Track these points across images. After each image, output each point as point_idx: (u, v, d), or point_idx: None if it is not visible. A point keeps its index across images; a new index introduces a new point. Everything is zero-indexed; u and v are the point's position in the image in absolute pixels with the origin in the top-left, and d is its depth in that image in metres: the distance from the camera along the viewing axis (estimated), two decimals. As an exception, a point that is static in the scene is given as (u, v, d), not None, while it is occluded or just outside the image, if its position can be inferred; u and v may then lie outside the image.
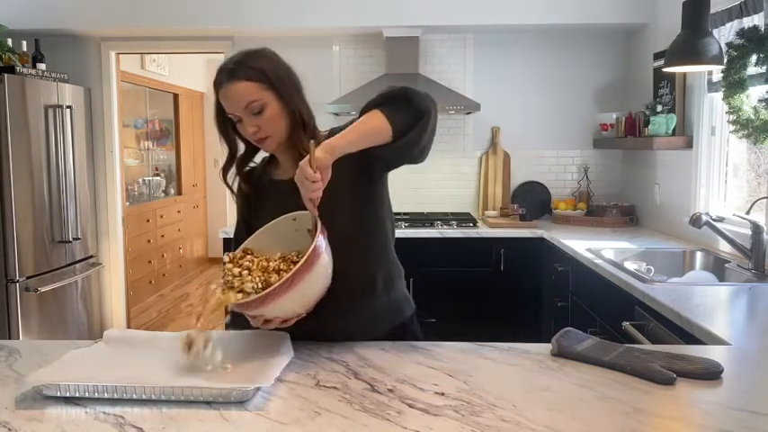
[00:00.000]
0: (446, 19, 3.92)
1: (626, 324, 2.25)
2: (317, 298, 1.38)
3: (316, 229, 1.34)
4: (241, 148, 1.59)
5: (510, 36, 4.25)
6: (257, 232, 1.49)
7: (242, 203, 1.64)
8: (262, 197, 1.60)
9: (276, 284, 1.26)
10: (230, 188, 1.62)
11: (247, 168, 1.62)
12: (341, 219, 1.48)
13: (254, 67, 1.47)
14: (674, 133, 3.36)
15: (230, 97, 1.47)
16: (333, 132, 1.55)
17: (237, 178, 1.62)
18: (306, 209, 1.36)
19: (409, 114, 1.40)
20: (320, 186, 1.32)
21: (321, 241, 1.32)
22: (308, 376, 1.32)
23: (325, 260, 1.34)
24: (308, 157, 1.30)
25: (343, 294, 1.49)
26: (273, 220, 1.48)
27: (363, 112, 1.43)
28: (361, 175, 1.52)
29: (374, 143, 1.39)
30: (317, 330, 1.48)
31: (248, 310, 1.33)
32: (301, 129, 1.51)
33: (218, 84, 1.49)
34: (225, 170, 1.61)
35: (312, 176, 1.29)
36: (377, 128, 1.38)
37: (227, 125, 1.54)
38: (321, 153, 1.31)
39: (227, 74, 1.47)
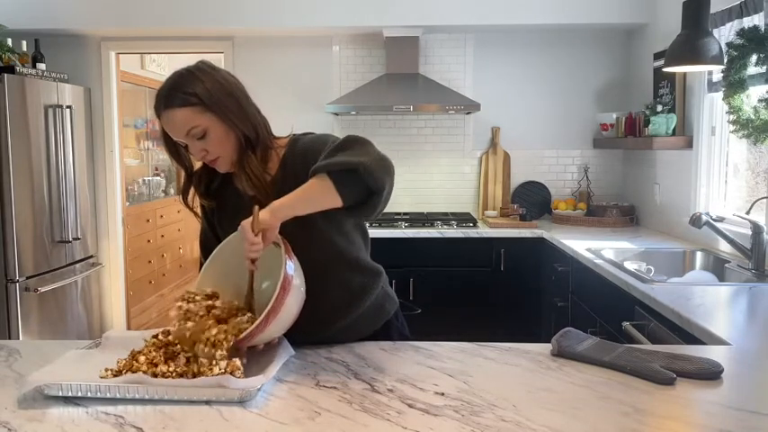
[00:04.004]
0: (446, 19, 3.92)
1: (626, 324, 2.25)
2: (294, 318, 1.36)
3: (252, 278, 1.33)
4: (197, 165, 1.53)
5: (510, 36, 4.25)
6: (220, 245, 1.46)
7: (206, 211, 1.60)
8: (226, 208, 1.55)
9: (253, 326, 1.26)
10: (193, 211, 1.55)
11: (204, 187, 1.55)
12: (310, 246, 1.45)
13: (188, 92, 1.39)
14: (674, 133, 3.36)
15: (169, 126, 1.42)
16: (293, 140, 1.54)
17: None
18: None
19: (362, 191, 1.34)
20: (260, 248, 1.30)
21: (289, 269, 1.29)
22: (307, 376, 1.32)
23: (296, 284, 1.32)
24: (250, 218, 1.28)
25: (322, 309, 1.50)
26: (233, 234, 1.43)
27: (314, 172, 1.34)
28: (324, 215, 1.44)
29: (324, 208, 1.36)
30: (301, 342, 1.48)
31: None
32: (248, 150, 1.45)
33: (156, 111, 1.43)
34: (184, 193, 1.54)
35: (252, 240, 1.28)
36: (326, 199, 1.34)
37: (176, 147, 1.48)
38: (266, 216, 1.29)
39: (163, 101, 1.41)
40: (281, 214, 1.31)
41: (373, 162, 1.32)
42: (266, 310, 1.25)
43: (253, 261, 1.33)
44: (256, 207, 1.30)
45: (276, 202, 1.32)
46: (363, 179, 1.31)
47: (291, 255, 1.33)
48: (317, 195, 1.34)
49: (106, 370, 1.27)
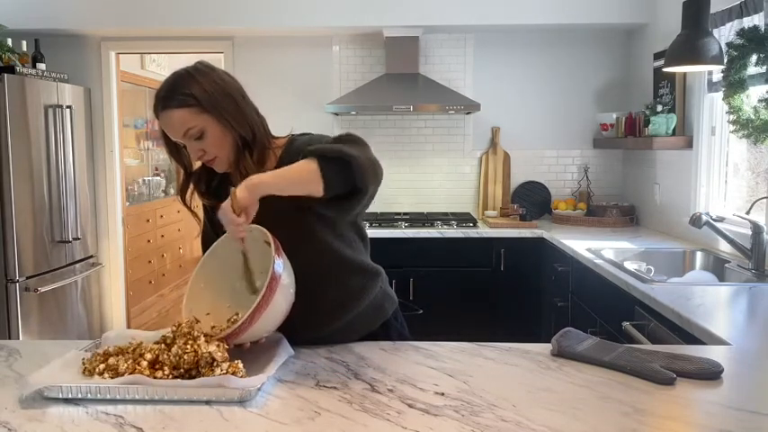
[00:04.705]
0: (446, 19, 3.92)
1: (626, 324, 2.25)
2: (283, 316, 1.36)
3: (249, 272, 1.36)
4: (196, 164, 1.54)
5: (510, 36, 4.25)
6: (212, 247, 1.47)
7: (207, 209, 1.60)
8: None
9: (239, 323, 1.26)
10: (191, 210, 1.55)
11: (204, 186, 1.56)
12: (306, 247, 1.46)
13: (185, 93, 1.40)
14: (674, 133, 3.36)
15: (167, 126, 1.43)
16: (291, 140, 1.54)
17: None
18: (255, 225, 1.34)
19: (346, 186, 1.33)
20: (245, 227, 1.29)
21: (277, 267, 1.29)
22: (307, 376, 1.32)
23: (285, 283, 1.31)
24: (228, 200, 1.28)
25: (320, 309, 1.50)
26: (225, 235, 1.43)
27: (305, 154, 1.34)
28: (319, 216, 1.46)
29: (302, 194, 1.33)
30: (299, 341, 1.48)
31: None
32: (245, 151, 1.46)
33: (155, 111, 1.45)
34: (182, 192, 1.55)
35: (235, 221, 1.27)
36: (308, 184, 1.31)
37: (176, 147, 1.49)
38: (243, 193, 1.27)
39: (161, 102, 1.42)
40: (258, 191, 1.29)
41: (366, 160, 1.32)
42: (252, 309, 1.25)
43: (242, 240, 1.33)
44: (232, 188, 1.29)
45: (255, 178, 1.30)
46: (351, 173, 1.30)
47: (281, 253, 1.33)
48: (299, 177, 1.32)
49: (103, 371, 1.27)
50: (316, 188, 1.31)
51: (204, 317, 1.41)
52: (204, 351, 1.24)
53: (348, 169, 1.31)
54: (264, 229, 1.35)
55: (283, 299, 1.33)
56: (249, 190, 1.28)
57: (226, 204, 1.28)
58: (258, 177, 1.31)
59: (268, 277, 1.27)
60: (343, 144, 1.35)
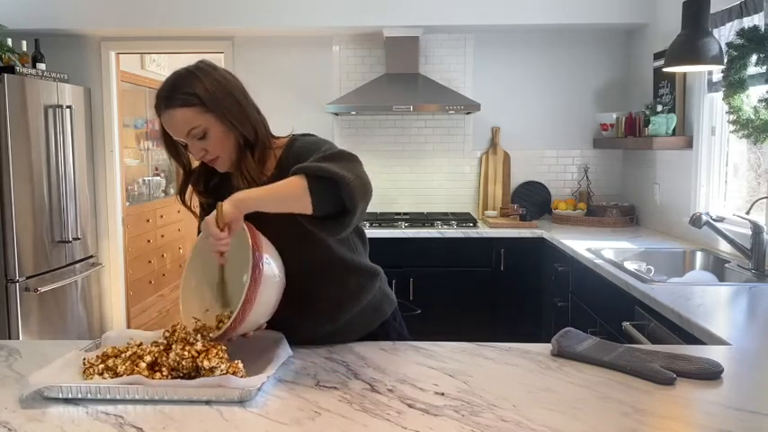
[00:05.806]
0: (446, 19, 3.92)
1: (626, 324, 2.25)
2: (275, 304, 1.36)
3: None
4: (195, 164, 1.54)
5: (510, 36, 4.25)
6: (197, 241, 1.47)
7: (205, 207, 1.60)
8: None
9: (230, 321, 1.27)
10: (191, 209, 1.55)
11: (202, 185, 1.56)
12: (305, 247, 1.46)
13: (188, 92, 1.39)
14: (674, 133, 3.36)
15: (170, 126, 1.43)
16: (291, 140, 1.53)
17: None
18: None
19: (334, 206, 1.32)
20: (227, 242, 1.28)
21: (259, 260, 1.28)
22: (307, 376, 1.32)
23: (269, 274, 1.30)
24: (214, 213, 1.27)
25: (318, 309, 1.51)
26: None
27: (295, 171, 1.33)
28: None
29: (290, 211, 1.32)
30: (297, 341, 1.47)
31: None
32: (247, 150, 1.45)
33: (156, 110, 1.43)
34: (182, 192, 1.55)
35: (218, 235, 1.26)
36: (297, 203, 1.30)
37: (175, 146, 1.49)
38: (229, 208, 1.27)
39: (163, 102, 1.41)
40: (244, 206, 1.29)
41: (355, 180, 1.30)
42: (239, 306, 1.25)
43: (221, 254, 1.32)
44: (219, 203, 1.28)
45: (242, 194, 1.30)
46: (340, 193, 1.29)
47: (259, 245, 1.31)
48: (288, 196, 1.31)
49: (102, 371, 1.27)
50: (304, 206, 1.30)
51: (203, 314, 1.42)
52: (206, 366, 1.24)
53: (337, 189, 1.29)
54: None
55: (271, 286, 1.32)
56: (235, 205, 1.28)
57: (210, 218, 1.27)
58: (245, 193, 1.30)
59: (249, 268, 1.26)
60: (333, 162, 1.33)
